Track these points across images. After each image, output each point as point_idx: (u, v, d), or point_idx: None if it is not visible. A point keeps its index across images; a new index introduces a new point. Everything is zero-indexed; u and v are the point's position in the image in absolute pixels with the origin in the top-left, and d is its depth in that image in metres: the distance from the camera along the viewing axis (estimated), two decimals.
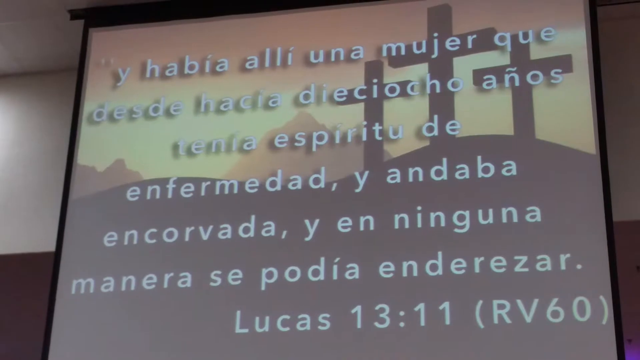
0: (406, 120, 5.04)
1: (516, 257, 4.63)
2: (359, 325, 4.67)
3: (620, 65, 5.22)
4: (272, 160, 5.12)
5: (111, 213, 5.19)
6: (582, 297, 4.51)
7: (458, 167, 4.87)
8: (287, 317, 4.75)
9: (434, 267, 4.70)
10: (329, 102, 5.19)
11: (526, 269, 4.61)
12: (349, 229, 4.87)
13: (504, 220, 4.72)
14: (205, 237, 5.00)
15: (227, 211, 5.04)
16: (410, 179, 4.91)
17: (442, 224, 4.78)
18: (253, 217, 4.99)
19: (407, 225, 4.81)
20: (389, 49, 5.22)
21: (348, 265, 4.79)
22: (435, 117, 5.02)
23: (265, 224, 4.96)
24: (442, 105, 5.03)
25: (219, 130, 5.25)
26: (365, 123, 5.09)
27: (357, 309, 4.70)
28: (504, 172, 4.82)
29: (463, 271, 4.66)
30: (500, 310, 4.56)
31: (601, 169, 4.71)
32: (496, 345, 4.52)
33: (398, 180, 4.92)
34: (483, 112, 4.97)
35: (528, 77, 4.97)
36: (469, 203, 4.79)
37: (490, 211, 4.75)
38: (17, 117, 6.02)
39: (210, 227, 5.01)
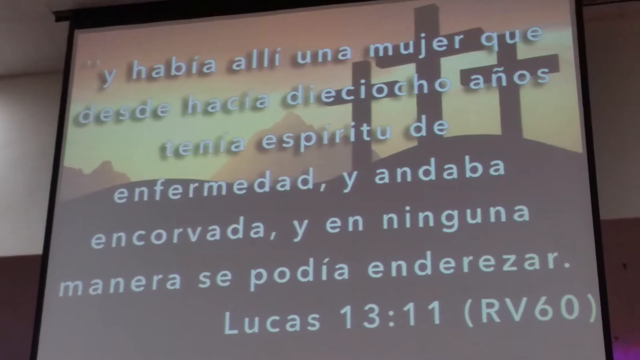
0: (394, 121, 5.05)
1: (504, 256, 4.65)
2: (348, 326, 4.68)
3: (607, 65, 5.24)
4: (260, 161, 5.11)
5: (99, 215, 5.18)
6: (570, 296, 4.53)
7: (446, 167, 4.88)
8: (277, 317, 4.75)
9: (422, 267, 4.71)
10: (316, 102, 5.19)
11: (514, 268, 4.62)
12: (337, 230, 4.87)
13: (492, 219, 4.73)
14: (193, 238, 4.99)
15: (215, 213, 5.03)
16: (399, 179, 4.91)
17: (431, 223, 4.79)
18: (242, 219, 4.99)
19: (395, 225, 4.82)
20: (376, 50, 5.22)
21: (337, 266, 4.79)
22: (423, 117, 5.02)
23: (254, 225, 4.96)
24: (430, 105, 5.04)
25: (207, 131, 5.24)
26: (353, 124, 5.09)
27: (347, 309, 4.70)
28: (491, 171, 4.83)
29: (452, 270, 4.68)
30: (489, 309, 4.58)
31: (588, 168, 4.72)
32: (485, 344, 4.54)
33: (386, 180, 4.93)
34: (470, 112, 4.98)
35: (515, 77, 4.99)
36: (457, 203, 4.80)
37: (479, 211, 4.76)
38: (3, 119, 6.00)
39: (199, 229, 5.01)
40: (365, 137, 5.05)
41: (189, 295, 4.88)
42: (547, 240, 4.64)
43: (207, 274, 4.90)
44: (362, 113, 5.11)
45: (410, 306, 4.65)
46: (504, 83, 4.99)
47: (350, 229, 4.86)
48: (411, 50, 5.19)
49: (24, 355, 5.00)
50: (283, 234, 4.92)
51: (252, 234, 4.94)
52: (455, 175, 4.86)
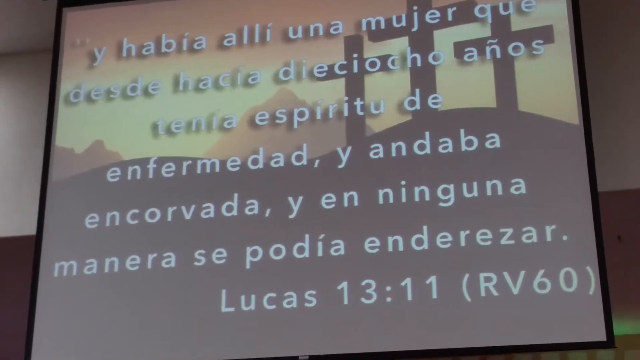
0: (388, 95, 5.02)
1: (502, 230, 4.64)
2: (345, 301, 4.67)
3: (602, 35, 5.19)
4: (253, 138, 5.08)
5: (92, 194, 5.15)
6: (569, 268, 4.53)
7: (441, 140, 4.86)
8: (273, 295, 4.73)
9: (419, 242, 4.70)
10: (309, 78, 5.15)
11: (512, 241, 4.61)
12: (333, 205, 4.85)
13: (489, 193, 4.72)
14: (188, 216, 4.97)
15: (209, 190, 5.01)
16: (394, 154, 4.89)
17: (427, 198, 4.77)
18: (236, 196, 4.96)
19: (391, 200, 4.80)
20: (368, 23, 5.18)
21: (333, 242, 4.78)
22: (417, 90, 4.99)
23: (248, 202, 4.93)
24: (424, 78, 5.01)
25: (199, 108, 5.20)
26: (346, 98, 5.06)
27: (344, 285, 4.69)
28: (487, 144, 4.81)
29: (449, 245, 4.66)
30: (487, 283, 4.57)
31: (585, 140, 4.71)
32: (484, 317, 4.53)
33: (381, 155, 4.90)
34: (465, 85, 4.95)
35: (509, 49, 4.95)
36: (453, 176, 4.78)
37: (475, 184, 4.74)
38: None
39: (193, 207, 4.98)
40: (359, 112, 5.01)
41: (184, 274, 4.87)
42: (544, 213, 4.62)
43: (202, 251, 4.88)
44: (355, 87, 5.08)
45: (407, 281, 4.64)
46: (499, 55, 4.96)
47: (346, 204, 4.84)
48: (404, 23, 5.15)
49: (20, 335, 4.97)
50: (278, 210, 4.90)
51: (246, 211, 4.92)
52: (450, 149, 4.84)
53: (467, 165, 4.79)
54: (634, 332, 8.14)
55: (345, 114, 5.03)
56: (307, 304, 4.70)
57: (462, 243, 4.65)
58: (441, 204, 4.75)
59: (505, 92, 4.88)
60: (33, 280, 5.00)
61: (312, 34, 5.24)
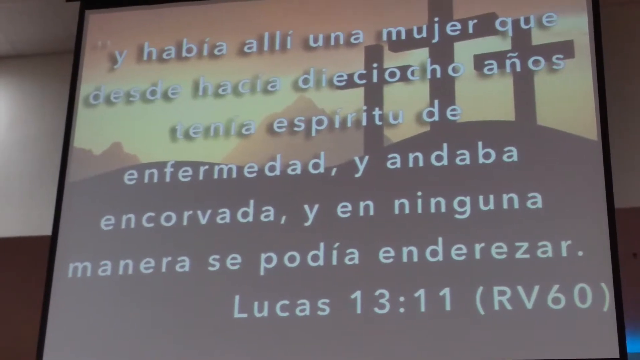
0: (406, 105, 5.02)
1: (517, 244, 4.62)
2: (358, 311, 4.65)
3: (622, 51, 5.19)
4: (271, 144, 5.09)
5: (108, 196, 5.16)
6: (583, 284, 4.51)
7: (459, 152, 4.85)
8: (287, 302, 4.73)
9: (434, 253, 4.69)
10: (328, 86, 5.15)
11: (527, 256, 4.59)
12: (348, 214, 4.85)
13: (505, 206, 4.70)
14: (203, 221, 4.97)
15: (225, 196, 5.01)
16: (411, 164, 4.88)
17: (443, 209, 4.76)
18: (252, 202, 4.96)
19: (407, 211, 4.79)
20: (389, 33, 5.18)
21: (348, 251, 4.77)
22: (436, 102, 4.99)
23: (264, 208, 4.93)
24: (443, 90, 5.00)
25: (218, 114, 5.21)
26: (365, 108, 5.06)
27: (357, 294, 4.68)
28: (504, 157, 4.80)
29: (464, 257, 4.65)
30: (501, 296, 4.55)
31: (603, 156, 4.69)
32: (497, 331, 4.51)
33: (398, 165, 4.90)
34: (484, 98, 4.95)
35: (529, 63, 4.95)
36: (470, 189, 4.77)
37: (491, 197, 4.73)
38: (12, 100, 5.98)
39: (209, 212, 4.98)
40: (377, 122, 5.01)
41: (198, 278, 4.86)
42: (560, 228, 4.60)
43: (217, 257, 4.88)
44: (374, 97, 5.08)
45: (421, 292, 4.63)
46: (518, 69, 4.95)
47: (361, 213, 4.83)
48: (424, 34, 5.15)
49: (33, 336, 4.98)
50: (293, 218, 4.90)
51: (262, 218, 4.92)
52: (467, 161, 4.83)
53: (484, 177, 4.78)
54: None
55: (364, 123, 5.03)
56: (320, 312, 4.69)
57: (477, 256, 4.64)
58: (457, 216, 4.74)
59: (524, 106, 4.87)
60: (47, 281, 5.00)
61: (332, 42, 5.25)
